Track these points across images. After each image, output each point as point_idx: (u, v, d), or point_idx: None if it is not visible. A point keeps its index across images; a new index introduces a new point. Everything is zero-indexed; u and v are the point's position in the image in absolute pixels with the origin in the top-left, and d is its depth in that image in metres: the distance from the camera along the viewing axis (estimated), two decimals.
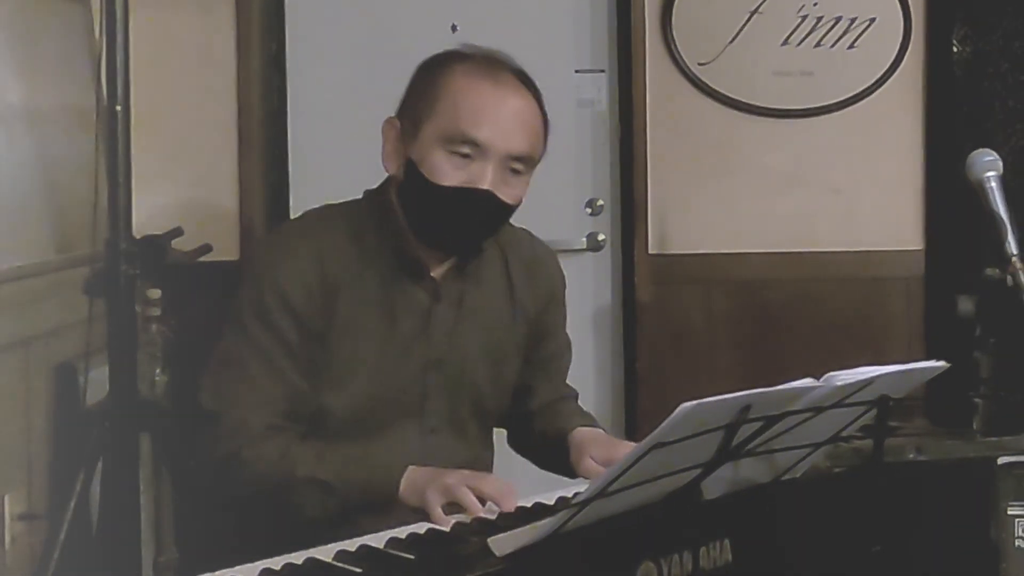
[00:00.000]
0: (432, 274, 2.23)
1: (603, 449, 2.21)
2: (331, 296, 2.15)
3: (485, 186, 2.10)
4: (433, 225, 2.17)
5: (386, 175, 2.25)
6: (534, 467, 2.43)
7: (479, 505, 1.93)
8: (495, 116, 2.11)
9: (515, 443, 2.46)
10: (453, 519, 1.92)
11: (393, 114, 2.23)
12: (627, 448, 2.06)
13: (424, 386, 2.23)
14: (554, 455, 2.31)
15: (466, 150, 2.10)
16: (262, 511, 2.09)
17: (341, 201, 2.30)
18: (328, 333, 2.15)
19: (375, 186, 2.28)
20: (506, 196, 2.14)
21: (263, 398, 2.12)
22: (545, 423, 2.38)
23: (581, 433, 2.28)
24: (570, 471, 2.26)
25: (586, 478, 2.16)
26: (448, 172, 2.11)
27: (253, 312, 2.14)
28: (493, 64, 2.17)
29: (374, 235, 2.21)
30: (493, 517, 1.92)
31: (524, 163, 2.15)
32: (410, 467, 2.07)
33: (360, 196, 2.30)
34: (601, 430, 2.35)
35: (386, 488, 2.05)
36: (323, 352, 2.16)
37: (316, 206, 2.32)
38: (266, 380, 2.13)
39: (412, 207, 2.18)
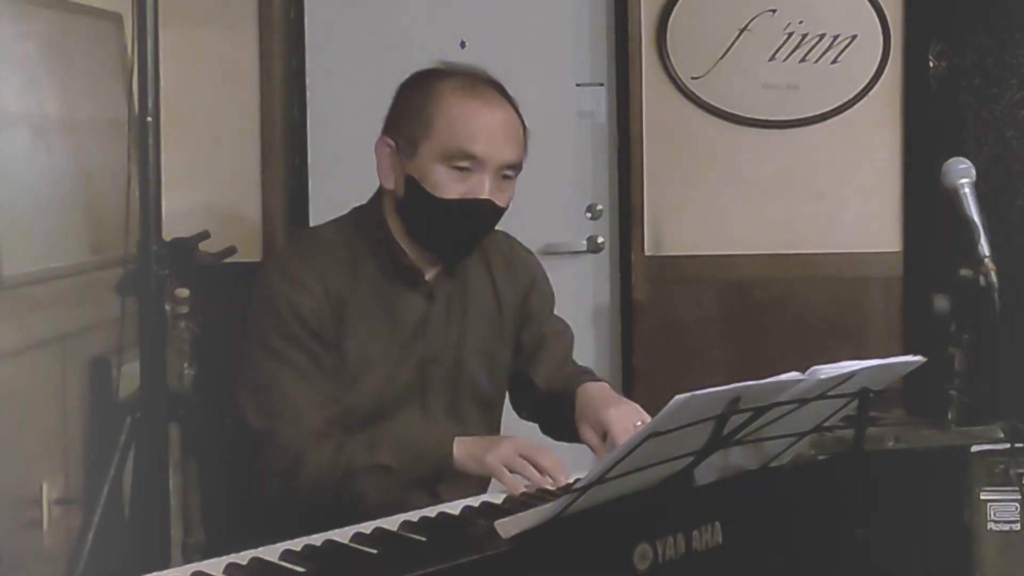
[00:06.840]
0: (426, 278, 2.26)
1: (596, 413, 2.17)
2: (337, 309, 2.18)
3: (484, 196, 2.14)
4: (438, 235, 2.21)
5: (371, 194, 2.27)
6: None
7: (540, 475, 1.97)
8: (488, 131, 2.14)
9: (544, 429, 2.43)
10: (522, 487, 1.96)
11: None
12: (618, 410, 2.12)
13: (424, 380, 2.25)
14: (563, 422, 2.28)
15: (465, 164, 2.13)
16: (323, 511, 2.06)
17: (328, 222, 2.32)
18: (341, 341, 2.18)
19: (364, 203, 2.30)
20: (500, 201, 2.18)
21: (307, 406, 2.14)
22: (552, 402, 2.34)
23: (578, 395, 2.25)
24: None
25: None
26: (450, 186, 2.14)
27: (276, 333, 2.15)
28: (475, 81, 2.20)
29: (369, 250, 2.23)
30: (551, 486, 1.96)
31: (514, 169, 2.19)
32: (456, 438, 2.11)
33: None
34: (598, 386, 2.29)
35: (441, 459, 2.10)
36: (339, 357, 2.18)
37: (326, 215, 2.32)
38: (304, 389, 2.14)
39: (415, 220, 2.21)
